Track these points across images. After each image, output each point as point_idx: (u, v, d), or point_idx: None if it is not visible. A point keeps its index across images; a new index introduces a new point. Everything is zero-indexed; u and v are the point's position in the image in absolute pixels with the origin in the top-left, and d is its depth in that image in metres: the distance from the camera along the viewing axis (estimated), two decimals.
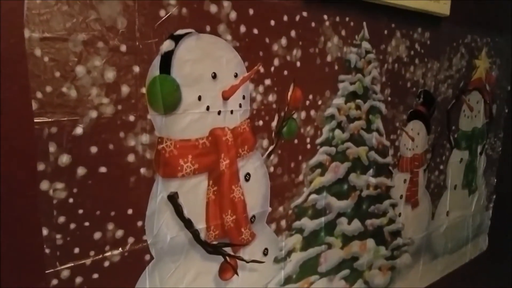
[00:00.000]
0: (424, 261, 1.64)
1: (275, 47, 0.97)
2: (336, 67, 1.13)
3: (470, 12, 1.57)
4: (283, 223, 1.08)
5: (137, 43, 0.75)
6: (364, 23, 1.18)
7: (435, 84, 1.50)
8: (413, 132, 1.43)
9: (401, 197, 1.44)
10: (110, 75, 0.72)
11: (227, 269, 0.97)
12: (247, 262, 1.01)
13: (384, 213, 1.38)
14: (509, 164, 2.08)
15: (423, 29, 1.39)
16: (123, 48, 0.73)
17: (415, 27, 1.36)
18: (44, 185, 0.69)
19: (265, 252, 1.05)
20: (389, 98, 1.32)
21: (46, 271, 0.70)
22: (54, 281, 0.71)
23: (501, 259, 2.10)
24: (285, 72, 1.00)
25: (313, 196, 1.14)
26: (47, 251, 0.70)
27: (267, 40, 0.95)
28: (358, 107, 1.20)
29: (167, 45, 0.78)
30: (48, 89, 0.67)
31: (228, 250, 0.96)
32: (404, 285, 1.56)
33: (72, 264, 0.73)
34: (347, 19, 1.13)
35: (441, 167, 1.63)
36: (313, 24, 1.04)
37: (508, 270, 2.03)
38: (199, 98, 0.85)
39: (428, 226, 1.62)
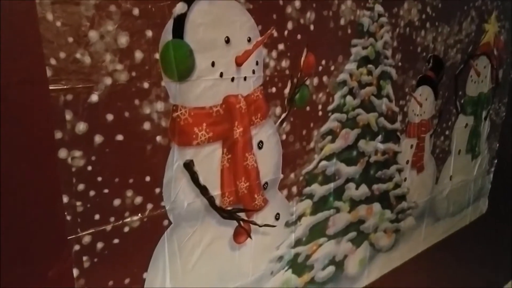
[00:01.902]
0: (427, 223, 1.70)
1: (289, 9, 0.94)
2: (349, 31, 1.10)
3: None
4: (294, 189, 1.10)
5: (149, 6, 0.72)
6: None
7: (445, 49, 1.48)
8: (421, 97, 1.43)
9: (407, 162, 1.47)
10: (123, 40, 0.70)
11: (241, 233, 1.00)
12: (260, 226, 1.03)
13: (390, 178, 1.40)
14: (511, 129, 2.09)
15: None
16: (136, 11, 0.71)
17: None
18: (63, 153, 0.69)
19: (277, 217, 1.08)
20: (400, 63, 1.30)
21: (68, 237, 0.72)
22: (76, 247, 0.73)
23: (500, 221, 2.16)
24: (299, 36, 0.98)
25: (323, 162, 1.15)
26: (68, 218, 0.71)
27: (280, 2, 0.92)
28: (369, 73, 1.19)
29: (179, 7, 0.75)
30: (62, 55, 0.65)
31: (242, 215, 0.99)
32: (407, 247, 1.62)
33: (93, 230, 0.74)
34: None
35: (447, 132, 1.65)
36: None
37: (506, 231, 2.10)
38: (213, 64, 0.83)
39: (432, 190, 1.66)
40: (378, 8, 1.16)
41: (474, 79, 1.67)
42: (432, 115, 1.51)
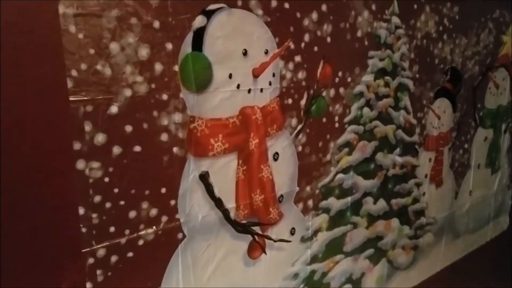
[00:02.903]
0: (447, 240, 1.65)
1: (306, 22, 0.94)
2: (366, 43, 1.10)
3: None
4: (310, 202, 1.08)
5: (169, 19, 0.73)
6: None
7: (463, 61, 1.46)
8: (439, 110, 1.41)
9: (425, 176, 1.43)
10: (143, 52, 0.71)
11: (256, 248, 0.98)
12: (275, 241, 1.01)
13: (409, 193, 1.37)
14: None
15: (452, 3, 1.34)
16: (156, 24, 0.72)
17: (444, 1, 1.32)
18: (80, 164, 0.68)
19: (292, 232, 1.05)
20: (417, 75, 1.29)
21: (83, 250, 0.71)
22: (91, 260, 0.72)
23: None
24: (315, 48, 0.97)
25: (340, 175, 1.13)
26: (83, 230, 0.71)
27: (298, 14, 0.92)
28: (386, 84, 1.18)
29: (199, 21, 0.76)
30: (83, 66, 0.66)
31: (257, 229, 0.97)
32: (426, 264, 1.57)
33: (108, 243, 0.73)
34: None
35: (466, 145, 1.61)
36: None
37: None
38: (230, 76, 0.83)
39: (451, 205, 1.61)
40: (395, 20, 1.16)
41: (493, 91, 1.65)
42: (450, 128, 1.49)
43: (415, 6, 1.22)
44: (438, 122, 1.41)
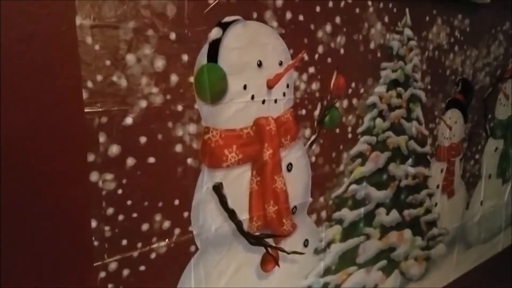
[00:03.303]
0: (459, 251, 1.63)
1: (320, 33, 0.94)
2: (379, 54, 1.10)
3: None
4: (323, 214, 1.07)
5: (186, 31, 0.73)
6: (407, 9, 1.15)
7: (473, 72, 1.46)
8: (450, 120, 1.40)
9: (437, 186, 1.42)
10: (159, 63, 0.71)
11: (269, 261, 0.96)
12: (288, 253, 0.99)
13: (421, 203, 1.36)
14: None
15: (463, 15, 1.35)
16: (173, 36, 0.71)
17: (456, 13, 1.33)
18: (94, 176, 0.68)
19: (306, 243, 1.04)
20: (429, 86, 1.29)
21: (95, 264, 0.70)
22: (102, 274, 0.71)
23: None
24: (329, 60, 0.97)
25: (353, 186, 1.12)
26: (95, 243, 0.69)
27: (312, 26, 0.92)
28: (399, 95, 1.18)
29: (215, 32, 0.76)
30: (99, 78, 0.65)
31: (270, 241, 0.95)
32: (438, 275, 1.54)
33: (120, 257, 0.72)
34: (390, 5, 1.10)
35: (477, 156, 1.60)
36: (357, 10, 1.01)
37: None
38: (245, 87, 0.83)
39: (463, 216, 1.60)
40: (407, 31, 1.16)
41: (503, 102, 1.64)
42: (461, 139, 1.48)
43: (427, 18, 1.23)
44: (450, 133, 1.41)
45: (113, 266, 0.72)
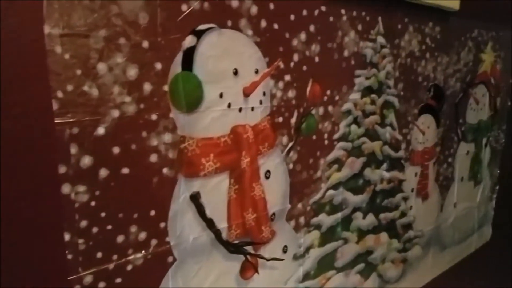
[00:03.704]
0: (434, 252, 1.67)
1: (295, 42, 0.95)
2: (353, 62, 1.12)
3: (478, 6, 1.58)
4: (302, 219, 1.07)
5: (159, 39, 0.72)
6: (379, 18, 1.17)
7: (444, 78, 1.51)
8: (423, 125, 1.44)
9: (412, 190, 1.46)
10: (132, 72, 0.70)
11: (248, 268, 0.96)
12: (268, 260, 0.99)
13: (396, 207, 1.38)
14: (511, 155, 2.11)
15: (434, 23, 1.39)
16: (145, 44, 0.70)
17: (427, 21, 1.36)
18: (66, 188, 0.66)
19: (285, 250, 1.04)
20: (402, 93, 1.32)
21: (69, 278, 0.68)
22: (77, 287, 0.69)
23: (504, 247, 2.13)
24: (304, 68, 0.98)
25: (331, 192, 1.13)
26: (69, 256, 0.68)
27: (287, 35, 0.93)
28: (373, 102, 1.20)
29: (189, 40, 0.76)
30: (69, 88, 0.64)
31: (249, 249, 0.95)
32: (415, 277, 1.58)
33: (95, 270, 0.70)
34: (363, 13, 1.12)
35: (449, 159, 1.65)
36: (331, 19, 1.03)
37: (510, 258, 2.07)
38: (221, 95, 0.82)
39: (437, 218, 1.64)
40: (380, 39, 1.19)
41: (474, 107, 1.70)
42: (434, 143, 1.52)
43: (399, 26, 1.26)
44: (423, 138, 1.44)
45: (88, 279, 0.70)
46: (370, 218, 1.28)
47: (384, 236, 1.35)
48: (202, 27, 0.77)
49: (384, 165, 1.29)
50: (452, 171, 1.67)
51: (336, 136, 1.12)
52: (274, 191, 0.98)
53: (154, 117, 0.74)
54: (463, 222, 1.82)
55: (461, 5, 1.40)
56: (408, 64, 1.32)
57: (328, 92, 1.07)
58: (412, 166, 1.43)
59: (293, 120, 0.99)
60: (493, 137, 1.91)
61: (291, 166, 1.01)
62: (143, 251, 0.76)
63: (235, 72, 0.84)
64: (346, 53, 1.09)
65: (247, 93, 0.87)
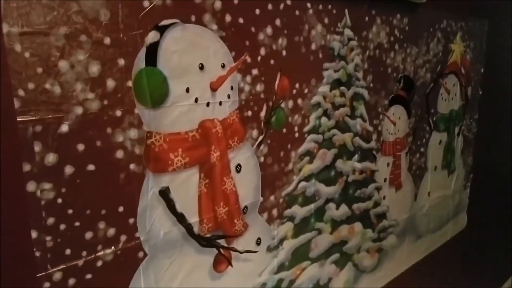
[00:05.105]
0: (409, 241, 1.71)
1: (261, 36, 0.96)
2: (321, 55, 1.14)
3: None
4: (274, 212, 1.09)
5: (121, 35, 0.72)
6: (346, 10, 1.19)
7: (414, 69, 1.54)
8: (394, 116, 1.47)
9: (385, 180, 1.48)
10: (94, 69, 0.70)
11: (222, 261, 0.97)
12: (241, 252, 1.01)
13: (369, 197, 1.41)
14: (484, 144, 2.17)
15: (402, 15, 1.41)
16: (107, 40, 0.71)
17: (394, 13, 1.39)
18: (31, 186, 0.66)
19: (258, 242, 1.06)
20: (371, 85, 1.34)
21: (38, 275, 0.68)
22: (46, 284, 0.69)
23: (480, 234, 2.20)
24: (272, 61, 1.00)
25: (303, 183, 1.15)
26: (37, 254, 0.68)
27: (252, 29, 0.94)
28: (342, 94, 1.22)
29: (152, 36, 0.76)
30: (31, 86, 0.64)
31: (222, 242, 0.96)
32: (391, 266, 1.61)
33: (64, 266, 0.71)
34: (329, 6, 1.13)
35: (422, 149, 1.69)
36: (297, 12, 1.04)
37: (486, 245, 2.13)
38: (187, 90, 0.83)
39: (411, 207, 1.68)
40: (348, 32, 1.20)
41: (445, 97, 1.74)
42: (406, 133, 1.55)
43: (367, 18, 1.28)
44: (394, 128, 1.47)
45: (57, 276, 0.70)
46: (344, 208, 1.31)
47: (358, 226, 1.38)
48: (165, 22, 0.78)
49: (356, 156, 1.32)
50: (425, 161, 1.71)
51: (306, 128, 1.14)
52: (246, 184, 0.99)
53: (118, 113, 0.74)
54: (437, 210, 1.86)
55: None
56: (377, 56, 1.34)
57: (297, 85, 1.08)
58: (384, 156, 1.45)
59: (263, 114, 1.00)
60: (465, 126, 1.96)
61: (262, 159, 1.03)
62: (112, 247, 0.77)
63: (201, 67, 0.85)
64: (313, 47, 1.11)
65: (214, 88, 0.88)
